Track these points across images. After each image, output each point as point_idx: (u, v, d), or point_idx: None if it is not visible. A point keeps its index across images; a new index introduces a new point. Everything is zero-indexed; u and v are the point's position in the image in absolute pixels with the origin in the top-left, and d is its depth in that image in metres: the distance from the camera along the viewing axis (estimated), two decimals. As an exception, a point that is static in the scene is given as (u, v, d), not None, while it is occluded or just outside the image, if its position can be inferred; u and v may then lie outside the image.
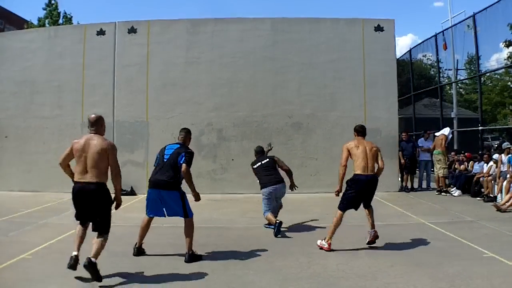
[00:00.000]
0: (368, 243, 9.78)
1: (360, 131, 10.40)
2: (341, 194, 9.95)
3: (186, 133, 9.76)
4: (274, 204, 11.73)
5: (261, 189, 11.74)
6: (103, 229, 7.79)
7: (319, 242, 9.69)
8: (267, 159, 12.04)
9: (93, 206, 7.70)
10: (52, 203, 15.73)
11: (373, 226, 9.99)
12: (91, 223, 7.90)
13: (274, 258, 8.84)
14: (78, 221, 7.98)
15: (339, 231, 10.53)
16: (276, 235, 10.80)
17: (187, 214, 8.88)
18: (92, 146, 7.80)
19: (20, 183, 18.60)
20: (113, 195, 7.92)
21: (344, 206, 9.78)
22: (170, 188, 8.80)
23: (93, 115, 8.22)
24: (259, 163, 11.98)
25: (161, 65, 18.62)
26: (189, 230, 8.86)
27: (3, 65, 19.35)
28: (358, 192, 9.76)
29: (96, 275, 7.36)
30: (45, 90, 18.90)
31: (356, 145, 9.99)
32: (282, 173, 11.98)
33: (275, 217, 11.51)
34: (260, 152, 12.44)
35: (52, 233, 10.84)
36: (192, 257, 8.70)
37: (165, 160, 9.06)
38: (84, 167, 7.77)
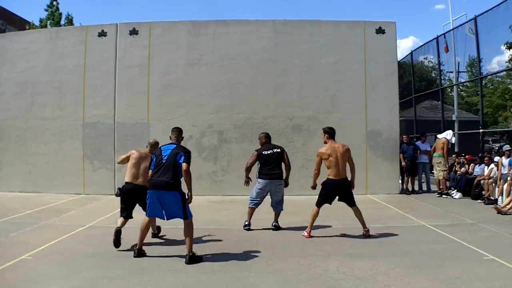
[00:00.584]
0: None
1: (331, 133, 11.35)
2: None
3: (179, 133, 9.92)
4: (274, 199, 11.86)
5: (259, 178, 11.81)
6: None
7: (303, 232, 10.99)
8: (279, 150, 11.84)
9: (140, 200, 9.90)
10: (52, 204, 15.73)
11: (363, 225, 10.97)
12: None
13: (275, 260, 8.83)
14: (122, 216, 10.12)
15: (341, 233, 10.59)
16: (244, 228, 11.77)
17: (186, 215, 8.93)
18: (142, 158, 10.31)
19: (21, 184, 18.64)
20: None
21: (319, 202, 11.03)
22: (171, 188, 8.87)
23: (152, 140, 11.11)
24: (271, 151, 11.77)
25: (162, 67, 18.62)
26: (189, 231, 8.90)
27: (4, 66, 19.35)
28: (329, 192, 10.96)
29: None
30: (46, 91, 18.90)
31: (329, 154, 10.96)
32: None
33: (275, 220, 11.86)
34: (270, 138, 12.27)
35: (53, 234, 10.83)
36: (193, 258, 8.72)
37: (163, 161, 9.08)
38: (137, 173, 10.18)
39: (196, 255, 8.85)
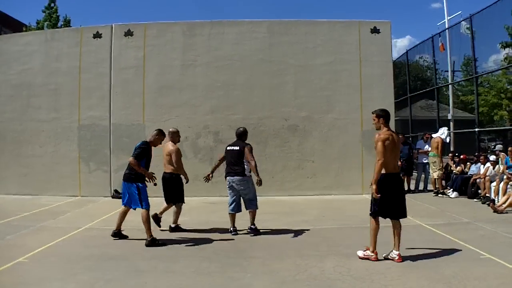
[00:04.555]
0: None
1: (387, 118, 9.12)
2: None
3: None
4: (244, 199, 11.50)
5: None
6: (180, 200, 11.64)
7: (361, 253, 8.83)
8: (237, 147, 11.42)
9: (165, 186, 11.51)
10: (49, 206, 15.70)
11: (397, 246, 8.81)
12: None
13: (271, 260, 8.84)
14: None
15: (338, 233, 10.60)
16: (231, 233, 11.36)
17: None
18: (165, 150, 11.54)
19: (17, 187, 18.55)
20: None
21: (376, 211, 8.91)
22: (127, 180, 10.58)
23: (171, 129, 11.83)
24: (231, 148, 11.54)
25: (157, 68, 18.62)
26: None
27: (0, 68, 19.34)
28: (388, 192, 8.77)
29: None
30: (41, 93, 18.86)
31: (390, 140, 8.77)
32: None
33: (250, 222, 11.41)
34: (237, 135, 11.76)
35: (49, 236, 10.81)
36: (151, 241, 10.08)
37: None
38: (164, 163, 11.60)
39: (155, 239, 10.19)
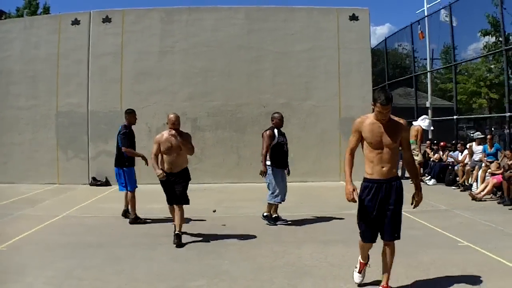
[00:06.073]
0: None
1: None
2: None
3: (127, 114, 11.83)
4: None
5: None
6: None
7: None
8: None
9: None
10: (27, 194, 15.63)
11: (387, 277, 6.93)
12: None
13: (249, 247, 8.91)
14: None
15: (315, 220, 10.64)
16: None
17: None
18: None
19: (-3, 175, 18.43)
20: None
21: None
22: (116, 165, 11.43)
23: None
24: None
25: (135, 55, 18.54)
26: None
27: (-21, 56, 19.14)
28: None
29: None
30: (20, 80, 18.74)
31: None
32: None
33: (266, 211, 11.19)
34: (271, 118, 11.71)
35: (27, 224, 10.79)
36: (134, 219, 10.92)
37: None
38: None
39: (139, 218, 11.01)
